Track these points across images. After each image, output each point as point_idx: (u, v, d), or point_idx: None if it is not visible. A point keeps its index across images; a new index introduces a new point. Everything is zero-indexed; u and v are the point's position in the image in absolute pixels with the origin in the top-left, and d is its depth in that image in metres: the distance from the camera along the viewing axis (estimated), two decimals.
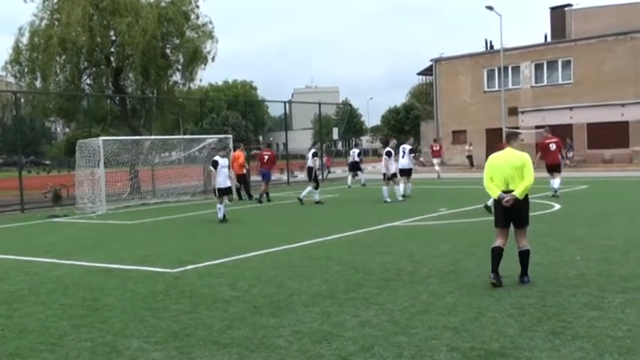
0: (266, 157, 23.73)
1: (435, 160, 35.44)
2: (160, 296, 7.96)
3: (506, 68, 43.22)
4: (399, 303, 7.03)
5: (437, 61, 49.68)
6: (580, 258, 9.19)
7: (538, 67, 44.14)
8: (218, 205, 16.84)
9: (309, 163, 21.79)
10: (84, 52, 28.38)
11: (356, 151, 31.80)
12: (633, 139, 40.08)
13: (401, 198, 20.18)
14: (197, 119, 40.74)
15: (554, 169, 19.48)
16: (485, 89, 46.24)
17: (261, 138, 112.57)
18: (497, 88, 44.42)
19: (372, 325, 6.22)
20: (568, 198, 18.88)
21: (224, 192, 16.97)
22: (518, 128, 42.85)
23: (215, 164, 16.85)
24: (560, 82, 43.07)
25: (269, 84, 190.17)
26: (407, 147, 21.14)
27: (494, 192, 7.74)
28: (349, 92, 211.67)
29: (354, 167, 30.47)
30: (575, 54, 42.35)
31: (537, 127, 43.43)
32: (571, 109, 41.92)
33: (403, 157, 21.07)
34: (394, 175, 19.81)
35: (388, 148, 19.89)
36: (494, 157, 7.94)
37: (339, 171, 47.34)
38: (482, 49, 51.87)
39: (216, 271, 9.53)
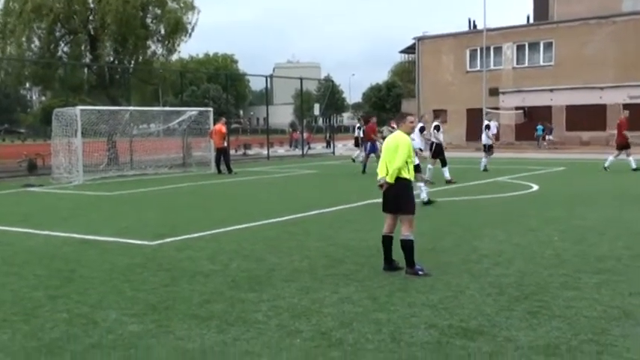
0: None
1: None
2: (139, 269, 7.90)
3: (488, 49, 43.20)
4: (379, 280, 7.05)
5: (420, 39, 49.52)
6: (557, 238, 9.27)
7: (520, 49, 44.23)
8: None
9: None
10: (60, 18, 27.84)
11: (357, 125, 31.32)
12: (610, 122, 40.34)
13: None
14: (177, 91, 40.33)
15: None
16: (468, 69, 46.25)
17: (241, 112, 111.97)
18: (479, 68, 44.42)
19: (351, 302, 6.23)
20: (546, 179, 19.05)
21: None
22: (498, 109, 43.11)
23: None
24: (541, 63, 43.21)
25: (250, 58, 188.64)
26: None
27: (379, 174, 7.45)
28: (331, 68, 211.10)
29: (358, 143, 30.11)
30: (556, 36, 42.47)
31: (517, 108, 43.82)
32: (551, 90, 42.14)
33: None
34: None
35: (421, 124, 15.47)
36: (385, 140, 7.63)
37: (319, 147, 47.34)
38: (466, 28, 51.80)
39: (195, 244, 9.47)
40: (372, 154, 21.43)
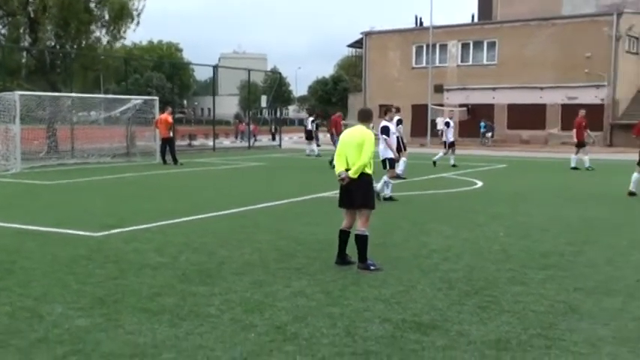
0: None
1: None
2: (84, 261, 7.68)
3: (434, 46, 43.82)
4: (331, 274, 7.05)
5: (367, 34, 49.81)
6: (503, 234, 9.47)
7: (465, 47, 44.99)
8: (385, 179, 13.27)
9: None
10: None
11: (310, 119, 30.95)
12: (549, 121, 41.63)
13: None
14: (119, 79, 39.34)
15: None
16: (414, 65, 46.77)
17: (185, 102, 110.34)
18: (424, 65, 45.01)
19: (304, 296, 6.21)
20: (489, 176, 19.45)
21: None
22: (442, 105, 43.77)
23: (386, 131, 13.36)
24: (484, 62, 44.08)
25: (195, 47, 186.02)
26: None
27: (337, 168, 7.36)
28: (277, 61, 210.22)
29: (309, 136, 29.89)
30: (500, 36, 43.38)
31: (461, 105, 44.58)
32: (494, 89, 43.05)
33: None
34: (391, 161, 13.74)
35: (385, 123, 13.52)
36: (345, 133, 7.59)
37: (265, 139, 47.13)
38: (413, 25, 52.39)
39: (143, 236, 9.28)
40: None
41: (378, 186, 12.85)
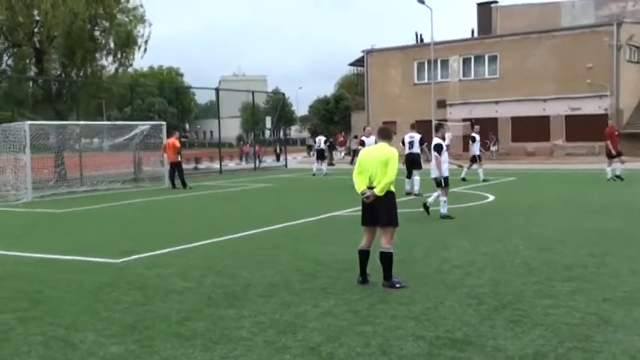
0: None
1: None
2: (108, 288, 7.69)
3: (435, 61, 44.02)
4: (357, 293, 7.06)
5: (368, 52, 50.09)
6: (522, 247, 9.47)
7: (466, 62, 45.20)
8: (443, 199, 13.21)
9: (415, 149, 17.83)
10: (4, 30, 27.08)
11: (322, 138, 30.97)
12: (554, 133, 41.68)
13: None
14: (124, 105, 39.52)
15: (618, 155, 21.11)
16: (415, 82, 46.98)
17: (187, 125, 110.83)
18: (426, 81, 45.19)
19: (333, 316, 6.21)
20: (500, 189, 19.46)
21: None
22: (446, 121, 43.85)
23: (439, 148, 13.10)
24: (486, 76, 44.25)
25: (195, 71, 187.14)
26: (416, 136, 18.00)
27: (359, 186, 7.37)
28: (277, 81, 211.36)
29: (321, 155, 29.88)
30: (500, 50, 43.59)
31: (464, 120, 44.66)
32: (497, 102, 43.17)
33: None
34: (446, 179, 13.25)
35: (438, 141, 13.14)
36: (364, 151, 7.67)
37: (269, 160, 47.23)
38: (413, 41, 52.70)
39: (163, 261, 9.30)
40: None
41: (439, 207, 13.08)
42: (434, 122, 41.65)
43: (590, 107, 39.53)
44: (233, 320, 6.16)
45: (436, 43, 43.27)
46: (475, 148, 22.80)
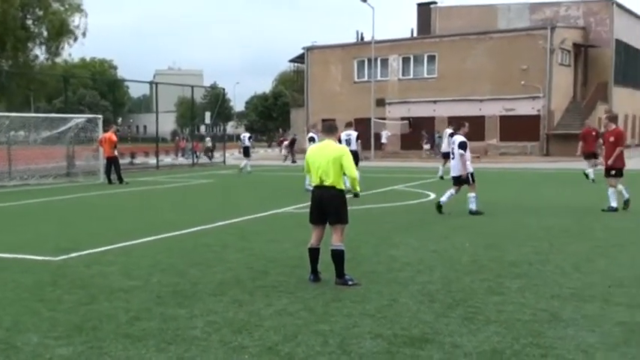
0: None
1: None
2: (49, 287, 7.36)
3: (375, 60, 44.42)
4: (310, 290, 6.98)
5: (309, 49, 50.12)
6: (469, 245, 9.60)
7: (405, 61, 45.79)
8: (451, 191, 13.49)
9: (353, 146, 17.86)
10: None
11: (246, 135, 30.73)
12: (488, 132, 42.71)
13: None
14: (52, 97, 38.25)
15: (592, 155, 20.71)
16: (356, 79, 47.30)
17: (120, 120, 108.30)
18: (366, 79, 45.57)
19: (289, 314, 6.12)
20: (440, 187, 19.68)
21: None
22: (385, 119, 44.37)
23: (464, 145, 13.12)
24: (425, 76, 44.95)
25: (129, 64, 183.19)
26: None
27: (315, 182, 7.29)
28: (213, 76, 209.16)
29: (246, 152, 29.51)
30: (439, 50, 44.35)
31: (403, 119, 45.27)
32: (434, 102, 43.92)
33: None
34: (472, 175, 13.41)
35: (462, 138, 13.21)
36: (312, 149, 7.49)
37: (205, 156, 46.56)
38: (354, 39, 53.01)
39: (105, 259, 8.98)
40: None
41: (472, 206, 13.15)
42: (373, 120, 42.15)
43: (524, 108, 40.70)
44: (185, 320, 5.98)
45: (377, 42, 43.67)
46: (445, 146, 22.77)
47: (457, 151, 13.03)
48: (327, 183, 7.18)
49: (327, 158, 7.19)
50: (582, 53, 45.13)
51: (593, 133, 20.95)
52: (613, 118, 14.15)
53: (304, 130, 38.14)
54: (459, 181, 13.29)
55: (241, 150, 29.60)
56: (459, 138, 13.29)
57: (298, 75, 58.87)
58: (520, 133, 39.96)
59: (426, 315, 6.02)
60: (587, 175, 20.59)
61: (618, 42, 45.82)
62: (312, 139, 19.36)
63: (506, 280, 7.36)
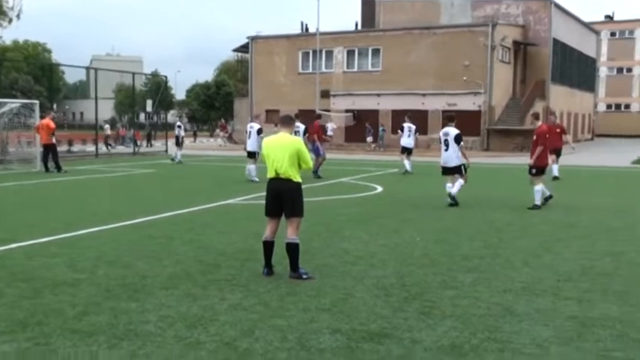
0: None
1: None
2: None
3: (320, 52, 44.37)
4: (264, 284, 6.87)
5: (253, 38, 49.65)
6: (420, 239, 9.65)
7: (350, 54, 45.89)
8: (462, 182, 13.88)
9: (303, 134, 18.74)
10: None
11: (179, 124, 30.12)
12: (431, 127, 43.22)
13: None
14: None
15: (556, 153, 20.34)
16: (300, 71, 47.15)
17: (55, 105, 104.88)
18: (311, 71, 45.50)
19: (244, 308, 6.00)
20: (386, 180, 19.86)
21: None
22: (329, 111, 44.40)
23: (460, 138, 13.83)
24: (369, 69, 45.16)
25: (63, 49, 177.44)
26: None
27: (273, 175, 7.19)
28: (153, 64, 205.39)
29: (178, 141, 28.80)
30: (383, 44, 44.60)
31: (347, 111, 45.39)
32: (378, 95, 44.20)
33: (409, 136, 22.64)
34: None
35: (457, 131, 13.83)
36: (267, 141, 7.36)
37: (143, 144, 45.61)
38: (299, 30, 52.80)
39: (47, 250, 8.64)
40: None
41: (453, 191, 13.57)
42: (317, 112, 42.12)
43: (466, 103, 41.40)
44: (137, 314, 5.79)
45: (322, 34, 43.60)
46: (408, 140, 22.68)
47: (453, 144, 13.51)
48: (283, 175, 7.08)
49: (284, 150, 7.10)
50: (521, 51, 46.22)
51: (557, 130, 20.98)
52: (538, 116, 14.12)
53: (248, 120, 37.80)
54: (450, 171, 13.73)
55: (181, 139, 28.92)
56: (454, 130, 13.72)
57: (242, 64, 58.30)
58: (462, 128, 39.61)
59: (383, 309, 6.00)
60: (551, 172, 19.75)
61: (556, 41, 47.14)
62: (260, 131, 19.24)
63: (459, 274, 7.42)
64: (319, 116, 24.14)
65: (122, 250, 8.62)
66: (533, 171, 13.34)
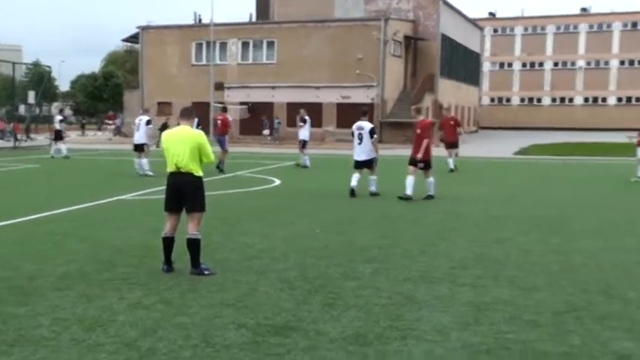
0: (219, 122, 21.20)
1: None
2: None
3: (214, 43, 43.75)
4: (164, 282, 6.69)
5: (144, 28, 48.23)
6: (319, 231, 9.73)
7: (245, 45, 45.57)
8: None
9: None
10: None
11: (58, 117, 28.41)
12: (326, 119, 43.80)
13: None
14: None
15: (452, 146, 20.53)
16: (194, 62, 46.33)
17: None
18: (205, 62, 44.80)
19: (144, 307, 5.82)
20: (283, 173, 19.89)
21: None
22: (223, 103, 43.87)
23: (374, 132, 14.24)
24: (264, 61, 45.04)
25: None
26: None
27: (174, 168, 6.99)
28: (34, 53, 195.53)
29: (58, 136, 27.25)
30: (278, 36, 44.62)
31: (242, 104, 45.07)
32: (273, 87, 44.19)
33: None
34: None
35: (371, 125, 14.33)
36: (167, 134, 7.18)
37: (24, 137, 43.36)
38: (192, 21, 51.81)
39: None
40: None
41: (373, 188, 14.03)
42: (212, 104, 41.57)
43: (359, 96, 42.16)
44: (27, 318, 5.48)
45: (215, 25, 42.97)
46: (306, 133, 22.52)
47: (368, 137, 13.75)
48: (183, 169, 6.92)
49: (184, 144, 6.93)
50: (412, 45, 47.61)
51: (452, 122, 21.42)
52: (419, 110, 14.28)
53: (139, 112, 36.72)
54: (363, 165, 13.98)
55: (64, 133, 27.45)
56: (368, 124, 14.00)
57: (131, 55, 56.58)
58: (356, 121, 41.18)
59: (287, 303, 6.00)
60: (451, 170, 20.22)
61: (444, 36, 48.89)
62: (149, 122, 18.81)
63: (359, 265, 7.54)
64: (225, 109, 23.92)
65: (7, 249, 8.15)
66: (422, 165, 13.35)
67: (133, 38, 50.98)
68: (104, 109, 78.34)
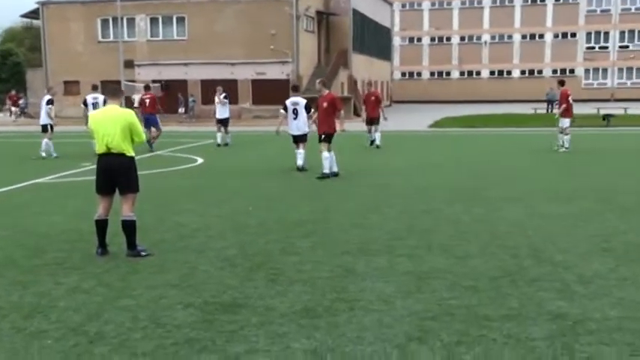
0: (147, 100, 20.18)
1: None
2: None
3: (122, 19, 42.28)
4: (100, 265, 6.54)
5: (44, 4, 45.92)
6: (252, 208, 9.71)
7: (154, 21, 44.24)
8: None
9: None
10: None
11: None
12: (241, 96, 43.34)
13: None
14: None
15: (373, 121, 20.20)
16: (100, 39, 44.63)
17: None
18: (112, 39, 43.28)
19: (84, 291, 5.68)
20: (205, 152, 19.62)
21: None
22: (134, 81, 42.60)
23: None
24: (175, 37, 43.94)
25: None
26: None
27: (103, 150, 6.80)
28: None
29: None
30: (188, 11, 43.55)
31: (154, 82, 43.79)
32: (186, 65, 43.26)
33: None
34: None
35: (305, 100, 14.57)
36: (95, 114, 7.06)
37: None
38: None
39: None
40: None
41: (300, 162, 14.03)
42: (123, 83, 40.31)
43: (274, 72, 41.94)
44: None
45: (122, 0, 41.51)
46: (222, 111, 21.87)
47: (303, 112, 13.96)
48: (115, 150, 6.73)
49: (114, 123, 6.74)
50: (324, 21, 47.67)
51: (373, 98, 21.30)
52: (325, 84, 14.20)
53: (44, 92, 35.13)
54: (301, 138, 14.13)
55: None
56: (302, 100, 14.29)
57: (31, 32, 53.85)
58: (271, 97, 40.95)
59: (231, 280, 6.00)
60: (372, 142, 20.14)
61: (355, 11, 49.20)
62: (50, 102, 18.06)
63: (296, 240, 7.60)
64: (148, 87, 23.32)
65: None
66: (322, 137, 13.21)
67: (33, 14, 48.50)
68: (4, 90, 74.43)
